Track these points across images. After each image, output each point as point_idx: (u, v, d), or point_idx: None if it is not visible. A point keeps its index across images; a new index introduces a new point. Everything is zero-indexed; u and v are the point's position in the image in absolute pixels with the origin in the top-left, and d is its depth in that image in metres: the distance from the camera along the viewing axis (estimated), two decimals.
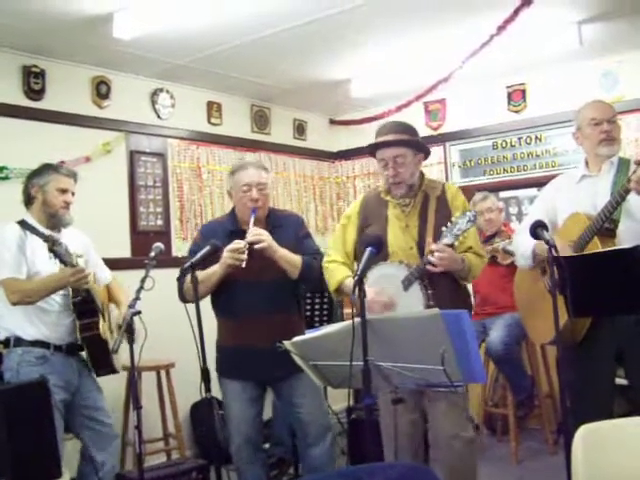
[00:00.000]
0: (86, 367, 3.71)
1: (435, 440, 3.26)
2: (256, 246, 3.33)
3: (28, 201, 3.68)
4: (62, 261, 3.34)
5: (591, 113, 3.32)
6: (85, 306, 3.57)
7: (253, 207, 3.46)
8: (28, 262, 3.51)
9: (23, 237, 3.54)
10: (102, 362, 3.64)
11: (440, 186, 3.37)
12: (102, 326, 3.62)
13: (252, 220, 3.42)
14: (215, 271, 3.40)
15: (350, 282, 3.21)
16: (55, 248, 3.26)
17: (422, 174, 3.39)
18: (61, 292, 3.55)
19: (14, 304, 3.45)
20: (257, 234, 3.36)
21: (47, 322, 3.55)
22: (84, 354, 3.68)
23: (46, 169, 3.69)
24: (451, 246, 3.03)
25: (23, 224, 3.59)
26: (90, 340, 3.59)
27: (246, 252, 3.30)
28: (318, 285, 3.62)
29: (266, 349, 3.14)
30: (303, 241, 3.61)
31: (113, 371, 3.71)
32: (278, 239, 3.43)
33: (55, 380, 3.45)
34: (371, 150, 3.35)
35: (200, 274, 3.29)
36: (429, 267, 3.04)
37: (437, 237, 3.10)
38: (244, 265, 3.28)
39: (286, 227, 3.59)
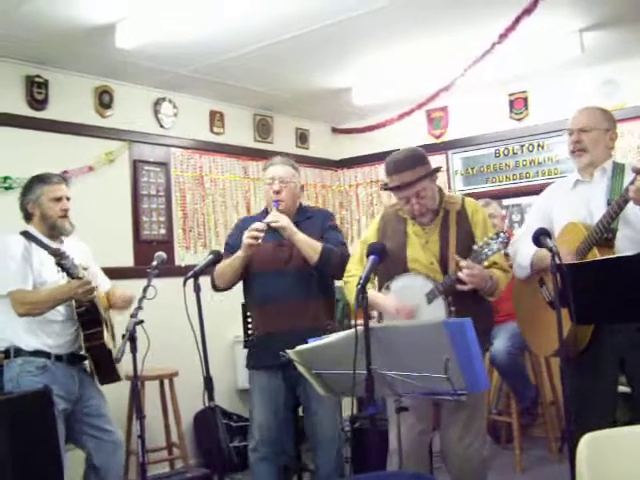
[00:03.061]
0: (88, 376, 3.71)
1: (449, 450, 3.25)
2: (273, 224, 3.49)
3: (27, 217, 3.69)
4: (69, 274, 3.35)
5: (568, 122, 3.32)
6: (89, 316, 3.58)
7: (275, 199, 3.62)
8: (34, 272, 3.52)
9: (28, 247, 3.54)
10: (106, 371, 3.66)
11: (459, 201, 3.34)
12: (106, 335, 3.63)
13: (274, 210, 3.60)
14: (237, 255, 3.56)
15: (376, 296, 3.23)
16: (63, 262, 3.28)
17: (440, 190, 3.35)
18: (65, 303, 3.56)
19: (21, 315, 3.46)
20: (275, 215, 3.55)
21: (50, 332, 3.56)
22: (87, 363, 3.69)
23: (35, 182, 3.68)
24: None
25: (27, 235, 3.60)
26: (95, 350, 3.61)
27: (264, 232, 3.46)
28: (337, 274, 3.65)
29: (290, 333, 3.31)
30: (329, 231, 3.71)
31: (117, 379, 3.72)
32: (304, 229, 3.58)
33: (55, 390, 3.46)
34: (388, 190, 3.31)
35: (224, 262, 3.52)
36: (459, 286, 3.01)
37: (460, 252, 3.09)
38: (260, 241, 3.44)
39: (314, 219, 3.74)
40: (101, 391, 3.78)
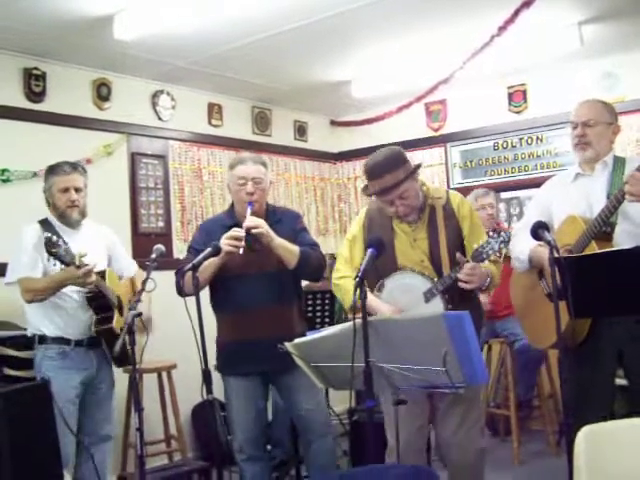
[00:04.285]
0: (106, 362, 3.81)
1: (446, 440, 3.25)
2: (253, 230, 3.33)
3: (47, 204, 3.78)
4: (63, 262, 3.38)
5: (571, 115, 3.31)
6: (98, 301, 3.64)
7: (249, 201, 3.46)
8: (44, 260, 3.58)
9: (41, 237, 3.58)
10: (119, 355, 3.66)
11: (444, 194, 3.32)
12: (116, 320, 3.65)
13: (249, 212, 3.42)
14: (212, 261, 3.35)
15: (372, 301, 3.12)
16: (53, 251, 3.29)
17: (424, 185, 3.32)
18: (76, 288, 3.60)
19: (28, 302, 3.58)
20: (253, 219, 3.36)
21: (64, 318, 3.66)
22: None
23: (48, 173, 3.77)
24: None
25: (44, 223, 3.71)
26: (104, 334, 3.65)
27: (244, 239, 3.29)
28: (316, 276, 3.64)
29: (266, 341, 3.20)
30: (299, 234, 3.60)
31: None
32: (277, 233, 3.43)
33: (74, 375, 3.64)
34: (370, 195, 3.27)
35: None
36: (461, 284, 3.00)
37: (450, 249, 3.11)
38: (241, 252, 3.28)
39: (284, 222, 3.60)
40: (113, 379, 3.90)
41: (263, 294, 3.46)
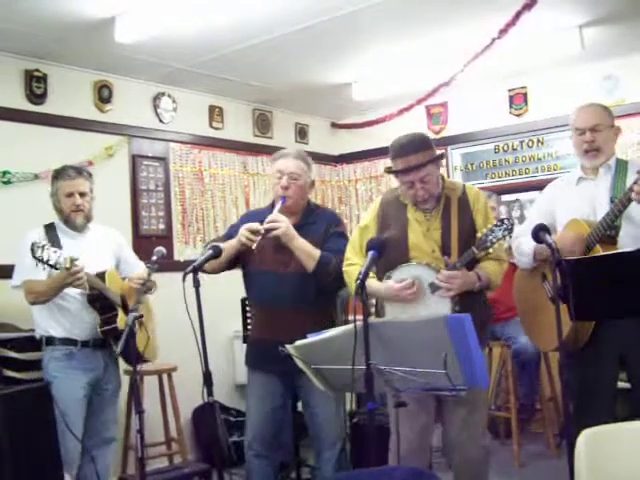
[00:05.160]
0: (114, 362, 3.85)
1: (450, 440, 3.25)
2: (270, 234, 3.33)
3: (55, 208, 3.81)
4: (50, 266, 3.40)
5: (575, 122, 3.29)
6: (100, 301, 3.67)
7: (282, 195, 3.46)
8: None
9: (44, 240, 3.60)
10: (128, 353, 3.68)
11: (460, 187, 3.32)
12: (120, 319, 3.65)
13: (278, 207, 3.42)
14: (232, 244, 3.43)
15: (374, 283, 3.17)
16: (38, 255, 3.32)
17: (442, 177, 3.33)
18: (79, 290, 3.62)
19: (31, 304, 3.64)
20: (273, 220, 3.35)
21: (70, 319, 3.70)
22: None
23: (54, 178, 3.82)
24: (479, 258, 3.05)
25: (49, 227, 3.76)
26: (109, 333, 3.67)
27: (260, 235, 3.31)
28: (334, 284, 3.54)
29: (281, 342, 3.15)
30: (332, 237, 3.53)
31: (143, 360, 3.77)
32: (306, 233, 3.42)
33: (80, 375, 3.67)
34: (393, 173, 3.29)
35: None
36: (444, 293, 3.02)
37: (462, 240, 3.11)
38: (254, 247, 3.30)
39: (318, 223, 3.57)
40: (120, 381, 3.95)
41: (285, 293, 3.44)
